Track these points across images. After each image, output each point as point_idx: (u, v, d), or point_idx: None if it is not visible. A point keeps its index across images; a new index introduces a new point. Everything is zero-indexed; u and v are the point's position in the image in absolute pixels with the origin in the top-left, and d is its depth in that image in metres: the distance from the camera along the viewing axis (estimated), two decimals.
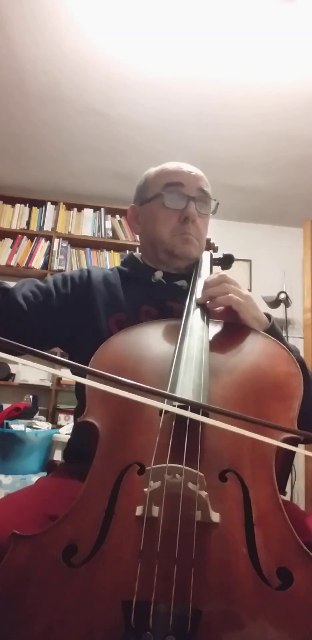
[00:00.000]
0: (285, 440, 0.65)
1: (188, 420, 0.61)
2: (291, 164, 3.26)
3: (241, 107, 2.78)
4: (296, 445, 0.69)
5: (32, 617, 0.48)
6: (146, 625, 0.43)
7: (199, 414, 0.58)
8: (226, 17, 2.21)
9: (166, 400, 0.49)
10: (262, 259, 3.95)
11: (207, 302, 0.92)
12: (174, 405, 0.58)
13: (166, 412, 0.64)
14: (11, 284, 0.98)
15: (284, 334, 3.67)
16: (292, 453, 0.73)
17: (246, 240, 3.90)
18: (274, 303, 3.63)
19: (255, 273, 3.94)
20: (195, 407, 0.48)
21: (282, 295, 3.67)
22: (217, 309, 0.93)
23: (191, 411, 0.48)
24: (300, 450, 0.55)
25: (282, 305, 3.68)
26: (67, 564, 0.52)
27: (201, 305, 0.93)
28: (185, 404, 0.54)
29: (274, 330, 0.91)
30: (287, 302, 3.69)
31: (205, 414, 0.63)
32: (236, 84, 2.61)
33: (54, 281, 1.05)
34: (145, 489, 0.52)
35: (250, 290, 3.83)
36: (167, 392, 0.53)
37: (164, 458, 0.57)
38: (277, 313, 3.66)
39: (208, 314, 0.91)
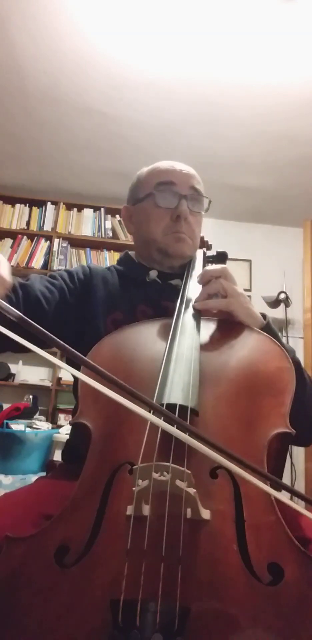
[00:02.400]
0: (277, 435, 0.65)
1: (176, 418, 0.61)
2: (291, 164, 3.26)
3: (241, 107, 2.79)
4: (288, 440, 0.68)
5: (24, 619, 0.48)
6: (133, 624, 0.43)
7: (186, 412, 0.57)
8: (226, 17, 2.21)
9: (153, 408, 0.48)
10: (262, 259, 3.95)
11: (202, 307, 0.91)
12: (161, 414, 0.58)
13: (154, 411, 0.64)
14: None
15: (284, 334, 3.63)
16: (285, 449, 0.73)
17: (246, 240, 3.90)
18: (274, 303, 3.63)
19: (255, 273, 3.93)
20: (181, 427, 0.48)
21: (282, 295, 3.67)
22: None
23: (179, 409, 0.48)
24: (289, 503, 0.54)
25: (282, 305, 3.68)
26: (59, 564, 0.52)
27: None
28: (171, 417, 0.53)
29: (270, 329, 0.91)
30: (287, 302, 3.68)
31: (195, 413, 0.64)
32: (236, 84, 2.62)
33: (62, 277, 1.05)
34: (134, 488, 0.52)
35: (250, 290, 3.83)
36: (154, 402, 0.53)
37: (152, 456, 0.57)
38: (277, 313, 3.66)
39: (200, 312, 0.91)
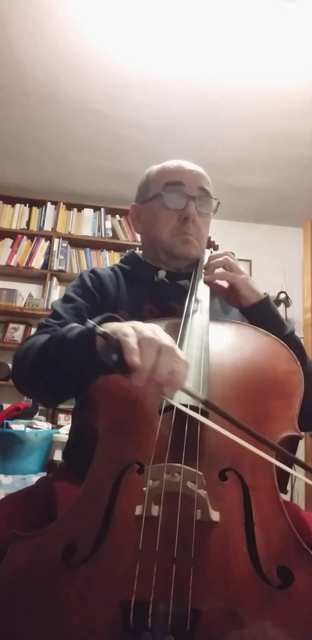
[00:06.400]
0: (285, 438, 0.65)
1: (187, 419, 0.61)
2: (291, 164, 3.26)
3: (241, 107, 2.78)
4: (296, 443, 0.69)
5: (30, 617, 0.48)
6: (145, 625, 0.43)
7: (197, 412, 0.57)
8: (226, 17, 2.20)
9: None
10: (262, 259, 3.94)
11: (210, 279, 0.97)
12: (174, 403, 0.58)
13: (165, 410, 0.64)
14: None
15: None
16: (294, 451, 0.72)
17: (246, 240, 3.90)
18: (274, 303, 3.62)
19: (255, 273, 3.93)
20: (194, 406, 0.47)
21: (282, 295, 3.66)
22: (219, 282, 0.99)
23: (190, 409, 0.48)
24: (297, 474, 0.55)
25: (282, 305, 3.67)
26: (67, 564, 0.52)
27: (204, 290, 0.97)
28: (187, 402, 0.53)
29: (269, 305, 0.96)
30: (287, 302, 3.68)
31: (204, 414, 0.63)
32: (236, 84, 2.61)
33: (78, 295, 1.02)
34: (145, 488, 0.52)
35: None
36: (271, 442, 0.55)
37: (164, 457, 0.57)
38: None
39: (209, 307, 0.93)
